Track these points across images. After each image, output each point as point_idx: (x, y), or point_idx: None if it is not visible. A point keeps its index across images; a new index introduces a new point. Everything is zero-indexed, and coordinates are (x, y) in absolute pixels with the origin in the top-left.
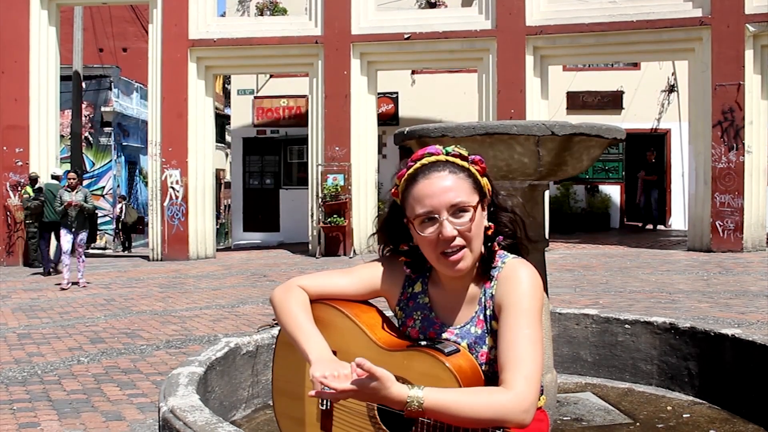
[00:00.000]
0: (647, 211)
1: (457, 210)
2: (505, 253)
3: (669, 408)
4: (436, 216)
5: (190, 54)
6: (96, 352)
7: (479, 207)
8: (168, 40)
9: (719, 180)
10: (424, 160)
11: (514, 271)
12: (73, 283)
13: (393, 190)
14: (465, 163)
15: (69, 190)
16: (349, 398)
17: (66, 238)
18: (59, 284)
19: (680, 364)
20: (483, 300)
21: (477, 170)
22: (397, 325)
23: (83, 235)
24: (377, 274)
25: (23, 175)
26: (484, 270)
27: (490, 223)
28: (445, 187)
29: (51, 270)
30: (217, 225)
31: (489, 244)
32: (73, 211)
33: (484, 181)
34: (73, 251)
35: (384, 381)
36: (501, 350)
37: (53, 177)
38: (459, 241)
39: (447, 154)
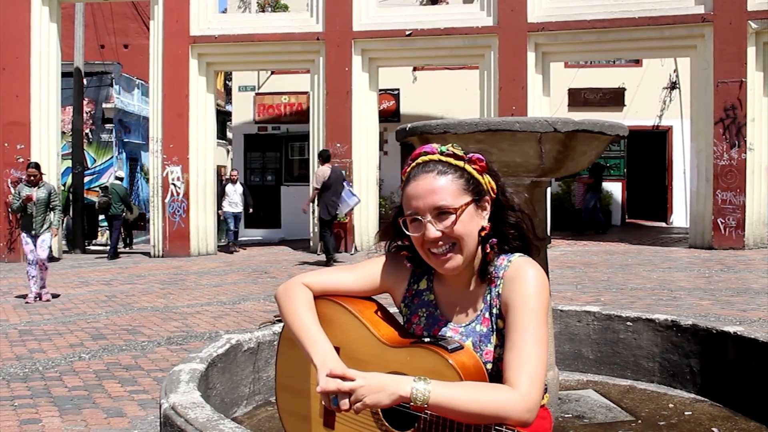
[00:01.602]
0: (594, 215)
1: (440, 212)
2: (512, 252)
3: (671, 405)
4: (420, 217)
5: (192, 50)
6: (97, 348)
7: (469, 207)
8: (169, 37)
9: (721, 177)
10: (419, 160)
11: (520, 271)
12: (36, 296)
13: (401, 186)
14: (460, 163)
15: (29, 185)
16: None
17: (28, 247)
18: (24, 296)
19: (682, 361)
20: (489, 298)
21: (475, 169)
22: (401, 321)
23: (46, 237)
24: (381, 270)
25: (24, 172)
26: (481, 272)
27: (485, 224)
28: (429, 189)
29: (113, 254)
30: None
31: (484, 247)
32: (34, 208)
33: (485, 179)
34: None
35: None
36: (506, 349)
37: (117, 178)
38: (444, 242)
39: (441, 153)
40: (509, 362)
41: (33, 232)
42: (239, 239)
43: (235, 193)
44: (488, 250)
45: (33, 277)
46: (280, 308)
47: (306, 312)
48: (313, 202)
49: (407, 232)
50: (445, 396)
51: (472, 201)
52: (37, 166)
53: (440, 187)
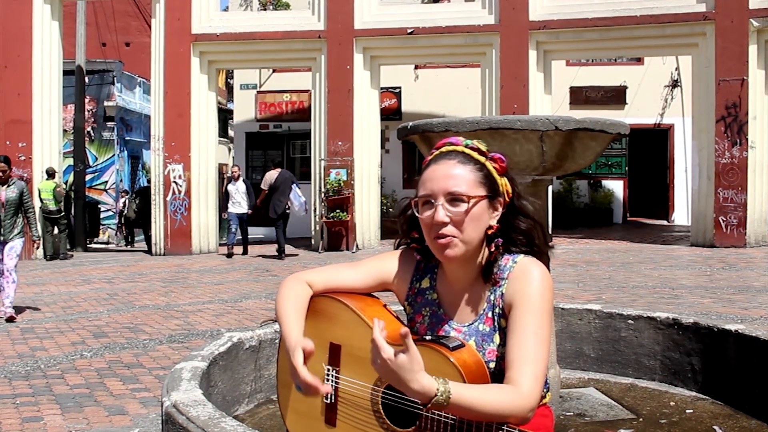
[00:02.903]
0: None
1: (453, 198)
2: (518, 253)
3: (672, 403)
4: (433, 200)
5: (193, 48)
6: (99, 346)
7: (482, 202)
8: (171, 35)
9: (722, 175)
10: (443, 149)
11: (525, 271)
12: None
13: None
14: (481, 158)
15: None
16: (382, 376)
17: None
18: None
19: (683, 359)
20: (492, 298)
21: (495, 167)
22: (405, 320)
23: (15, 244)
24: (385, 267)
25: (26, 170)
26: (485, 272)
27: (494, 224)
28: (447, 175)
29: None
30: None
31: (488, 246)
32: (2, 210)
33: (502, 180)
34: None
35: (417, 364)
36: (509, 348)
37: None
38: (450, 228)
39: (466, 146)
40: (512, 360)
41: (1, 238)
42: (248, 240)
43: (237, 192)
44: (492, 249)
45: None
46: (275, 302)
47: (289, 302)
48: (263, 201)
49: (417, 214)
50: (463, 396)
51: (486, 197)
52: (6, 160)
53: (458, 175)
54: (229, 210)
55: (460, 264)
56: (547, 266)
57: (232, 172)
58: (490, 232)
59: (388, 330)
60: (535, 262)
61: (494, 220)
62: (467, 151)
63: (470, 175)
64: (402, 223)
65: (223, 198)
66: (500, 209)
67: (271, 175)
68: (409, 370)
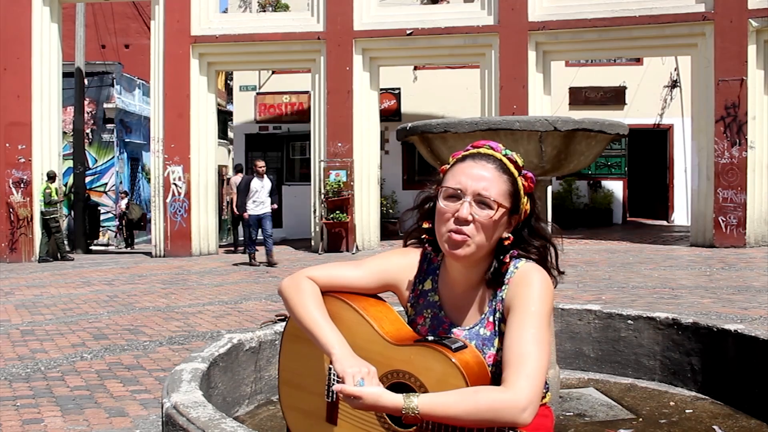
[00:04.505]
0: None
1: (481, 201)
2: (519, 258)
3: (672, 403)
4: (461, 195)
5: (193, 50)
6: (99, 348)
7: (505, 214)
8: (170, 37)
9: (722, 175)
10: (482, 149)
11: (526, 275)
12: None
13: (443, 167)
14: (515, 172)
15: None
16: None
17: None
18: None
19: (683, 359)
20: (494, 303)
21: (524, 185)
22: (406, 321)
23: None
24: (388, 267)
25: (26, 172)
26: (494, 278)
27: (509, 235)
28: (482, 176)
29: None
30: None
31: (501, 256)
32: None
33: (524, 200)
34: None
35: (368, 398)
36: (505, 349)
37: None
38: (471, 228)
39: (505, 155)
40: (507, 361)
41: None
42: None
43: (262, 189)
44: (507, 260)
45: None
46: (286, 302)
47: (315, 306)
48: (239, 205)
49: (439, 203)
50: (434, 406)
51: (507, 211)
52: None
53: (492, 180)
54: (250, 211)
55: (465, 266)
56: (554, 286)
57: (256, 167)
58: (507, 243)
59: (391, 330)
60: (537, 267)
61: (506, 234)
62: (505, 160)
63: (503, 185)
64: (419, 212)
65: (241, 196)
66: (513, 225)
67: (235, 180)
68: (372, 404)
